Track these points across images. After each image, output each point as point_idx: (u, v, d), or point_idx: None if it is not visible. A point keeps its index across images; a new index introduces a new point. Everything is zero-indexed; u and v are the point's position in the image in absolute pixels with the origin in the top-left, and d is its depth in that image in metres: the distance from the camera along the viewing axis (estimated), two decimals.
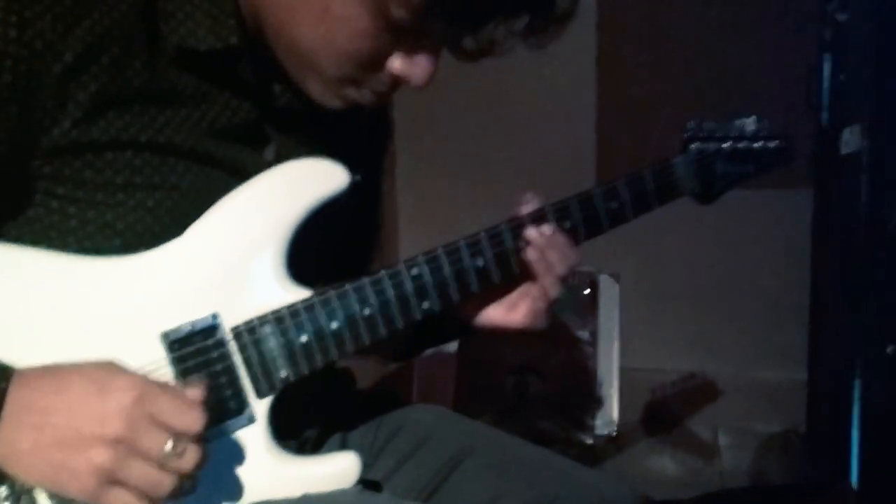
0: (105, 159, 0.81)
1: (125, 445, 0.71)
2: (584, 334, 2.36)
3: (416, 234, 2.63)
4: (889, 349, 1.65)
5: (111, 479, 0.71)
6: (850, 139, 1.82)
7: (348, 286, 0.90)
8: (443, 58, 0.85)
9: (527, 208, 0.98)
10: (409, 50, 0.84)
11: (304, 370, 0.88)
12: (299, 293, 0.88)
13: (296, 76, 0.87)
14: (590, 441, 2.32)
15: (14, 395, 0.72)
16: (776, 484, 2.27)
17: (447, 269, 0.93)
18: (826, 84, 2.02)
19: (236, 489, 0.86)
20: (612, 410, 2.35)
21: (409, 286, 0.92)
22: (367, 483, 0.95)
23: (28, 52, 0.74)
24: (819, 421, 2.27)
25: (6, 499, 0.77)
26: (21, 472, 0.73)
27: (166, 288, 0.85)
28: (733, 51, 2.35)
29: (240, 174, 0.88)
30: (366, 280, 0.90)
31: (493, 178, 2.49)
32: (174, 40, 0.82)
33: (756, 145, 1.06)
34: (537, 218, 0.97)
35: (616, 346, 2.37)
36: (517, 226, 0.97)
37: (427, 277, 0.92)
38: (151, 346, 0.84)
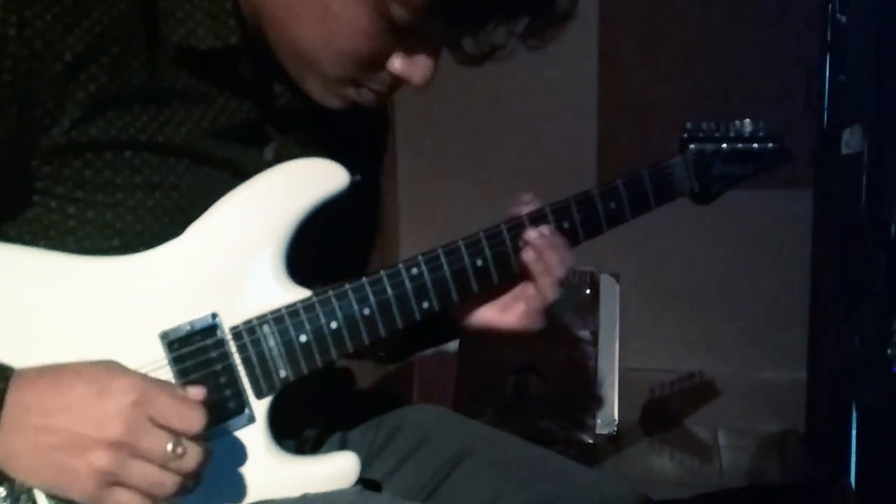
0: (104, 159, 0.81)
1: (126, 447, 0.71)
2: (584, 334, 2.36)
3: (416, 234, 2.63)
4: (889, 349, 1.65)
5: (112, 481, 0.71)
6: (851, 139, 1.82)
7: (347, 286, 0.90)
8: (443, 58, 0.85)
9: (525, 208, 0.98)
10: (410, 50, 0.84)
11: (304, 370, 0.88)
12: (299, 293, 0.88)
13: (296, 76, 0.87)
14: (590, 441, 2.32)
15: (13, 395, 0.72)
16: (775, 484, 2.28)
17: (446, 270, 0.93)
18: (826, 84, 2.02)
19: (236, 489, 0.86)
20: (612, 410, 2.35)
21: (408, 286, 0.92)
22: (366, 483, 0.95)
23: (28, 52, 0.74)
24: (818, 421, 2.27)
25: (5, 499, 0.77)
26: (21, 473, 0.73)
27: (166, 287, 0.85)
28: (733, 51, 2.35)
29: (239, 174, 0.88)
30: (365, 280, 0.90)
31: (493, 178, 2.49)
32: (174, 40, 0.82)
33: (754, 146, 1.07)
34: (536, 219, 0.97)
35: (616, 345, 2.37)
36: (516, 226, 0.97)
37: (426, 277, 0.92)
38: (151, 345, 0.84)
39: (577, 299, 2.35)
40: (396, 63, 0.84)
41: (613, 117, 2.50)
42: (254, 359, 0.87)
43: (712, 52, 2.37)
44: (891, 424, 1.65)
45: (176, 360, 0.84)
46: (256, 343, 0.87)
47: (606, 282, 2.37)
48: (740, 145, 1.06)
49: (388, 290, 0.91)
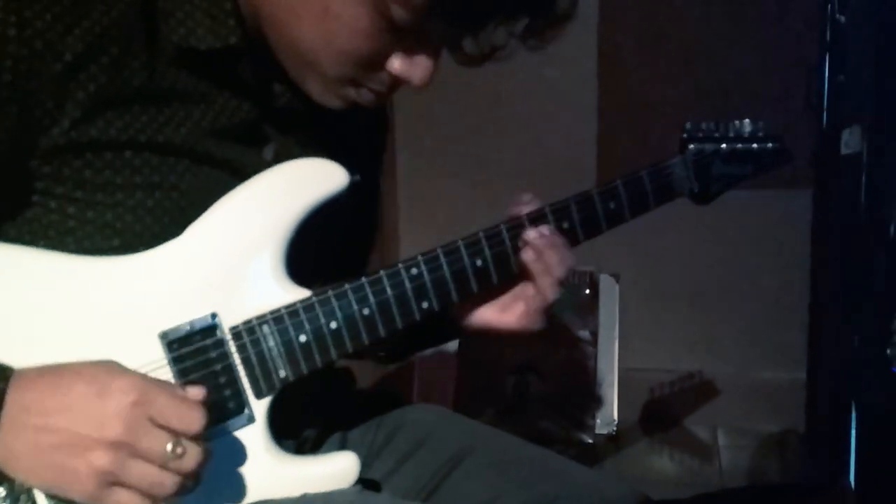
0: (104, 159, 0.81)
1: (125, 447, 0.71)
2: (584, 334, 2.36)
3: (416, 234, 2.63)
4: (889, 350, 1.65)
5: (112, 481, 0.71)
6: (850, 139, 1.82)
7: (347, 286, 0.90)
8: (443, 58, 0.85)
9: (525, 209, 0.98)
10: (410, 50, 0.84)
11: (304, 370, 0.89)
12: (298, 293, 0.88)
13: (296, 76, 0.87)
14: (590, 440, 2.32)
15: (13, 395, 0.72)
16: (775, 484, 2.28)
17: (446, 270, 0.93)
18: (826, 84, 2.02)
19: (235, 489, 0.86)
20: (611, 410, 2.35)
21: (407, 286, 0.92)
22: (366, 483, 0.95)
23: (28, 52, 0.74)
24: (818, 421, 2.27)
25: (5, 499, 0.77)
26: (20, 473, 0.73)
27: (165, 287, 0.85)
28: (733, 51, 2.35)
29: (239, 174, 0.88)
30: (364, 280, 0.90)
31: (493, 178, 2.49)
32: (174, 40, 0.82)
33: (753, 146, 1.07)
34: (536, 219, 0.97)
35: (616, 345, 2.37)
36: (516, 226, 0.97)
37: (426, 278, 0.92)
38: (150, 345, 0.84)
39: (577, 299, 2.35)
40: (396, 63, 0.84)
41: (613, 117, 2.50)
42: (253, 359, 0.87)
43: (712, 52, 2.37)
44: (891, 424, 1.65)
45: (175, 360, 0.84)
46: (256, 343, 0.87)
47: (606, 282, 2.37)
48: (740, 145, 1.06)
49: (388, 290, 0.91)
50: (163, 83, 0.82)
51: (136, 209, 0.83)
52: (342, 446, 1.05)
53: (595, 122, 2.52)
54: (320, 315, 0.88)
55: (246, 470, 0.87)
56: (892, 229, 1.65)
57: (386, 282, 0.91)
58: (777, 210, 2.38)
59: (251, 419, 0.87)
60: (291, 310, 0.88)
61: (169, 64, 0.82)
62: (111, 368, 0.74)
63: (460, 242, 0.95)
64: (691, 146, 1.06)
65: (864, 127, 1.76)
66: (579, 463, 1.08)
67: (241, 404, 0.87)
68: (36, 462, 0.71)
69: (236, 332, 0.86)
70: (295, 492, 0.88)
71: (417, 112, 2.50)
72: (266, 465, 0.88)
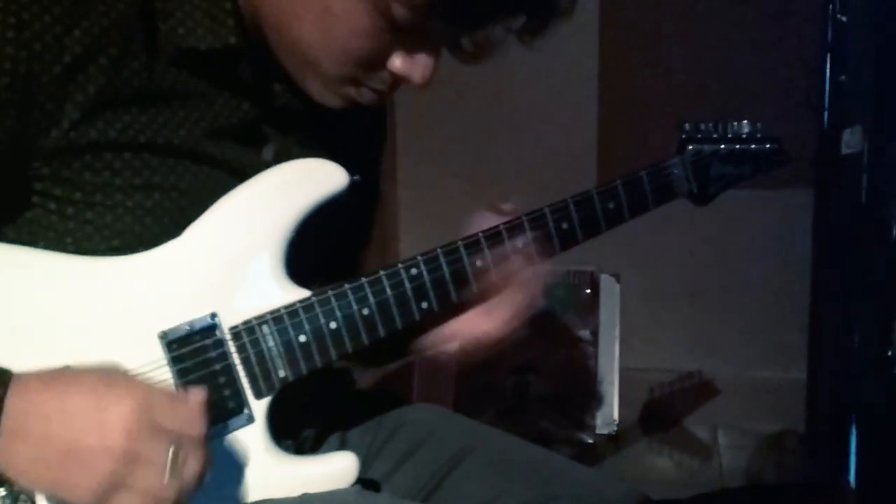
0: (104, 160, 0.80)
1: (127, 455, 0.70)
2: (584, 334, 2.36)
3: (416, 234, 2.63)
4: (889, 350, 1.65)
5: (114, 488, 0.70)
6: (851, 139, 1.82)
7: (346, 286, 0.90)
8: (443, 58, 0.85)
9: (508, 216, 0.98)
10: (410, 49, 0.84)
11: (303, 370, 0.88)
12: (298, 293, 0.88)
13: (296, 75, 0.87)
14: (590, 440, 2.32)
15: (12, 400, 0.70)
16: (775, 483, 2.28)
17: (445, 270, 0.93)
18: (827, 84, 2.02)
19: (235, 489, 0.86)
20: (611, 410, 2.35)
21: (407, 286, 0.92)
22: (365, 482, 0.95)
23: (26, 54, 0.74)
24: (818, 421, 2.27)
25: (4, 498, 0.77)
26: (21, 479, 0.72)
27: (165, 288, 0.85)
28: (733, 51, 2.35)
29: (239, 174, 0.88)
30: (364, 280, 0.90)
31: (493, 178, 2.49)
32: (173, 40, 0.82)
33: (752, 147, 1.07)
34: (536, 219, 0.97)
35: (616, 345, 2.37)
36: (516, 226, 0.97)
37: (425, 278, 0.92)
38: (150, 345, 0.84)
39: (577, 299, 2.35)
40: (397, 62, 0.84)
41: (613, 117, 2.50)
42: (253, 359, 0.87)
43: (713, 52, 2.37)
44: (891, 424, 1.65)
45: (175, 360, 0.84)
46: (255, 343, 0.87)
47: (606, 282, 2.37)
48: (738, 146, 1.06)
49: (388, 290, 0.91)
50: (162, 83, 0.82)
51: (136, 210, 0.83)
52: (342, 446, 1.05)
53: (595, 122, 2.52)
54: (320, 315, 0.88)
55: (245, 470, 0.87)
56: (892, 229, 1.65)
57: (385, 282, 0.91)
58: (777, 210, 2.38)
59: (251, 419, 0.87)
60: (291, 310, 0.88)
61: (168, 64, 0.82)
62: (112, 373, 0.74)
63: (460, 243, 0.95)
64: (690, 147, 1.06)
65: (864, 127, 1.76)
66: (579, 463, 1.08)
67: (241, 404, 0.87)
68: (37, 469, 0.71)
69: (236, 333, 0.86)
70: (294, 492, 0.88)
71: (417, 112, 2.49)
72: (265, 465, 0.88)
